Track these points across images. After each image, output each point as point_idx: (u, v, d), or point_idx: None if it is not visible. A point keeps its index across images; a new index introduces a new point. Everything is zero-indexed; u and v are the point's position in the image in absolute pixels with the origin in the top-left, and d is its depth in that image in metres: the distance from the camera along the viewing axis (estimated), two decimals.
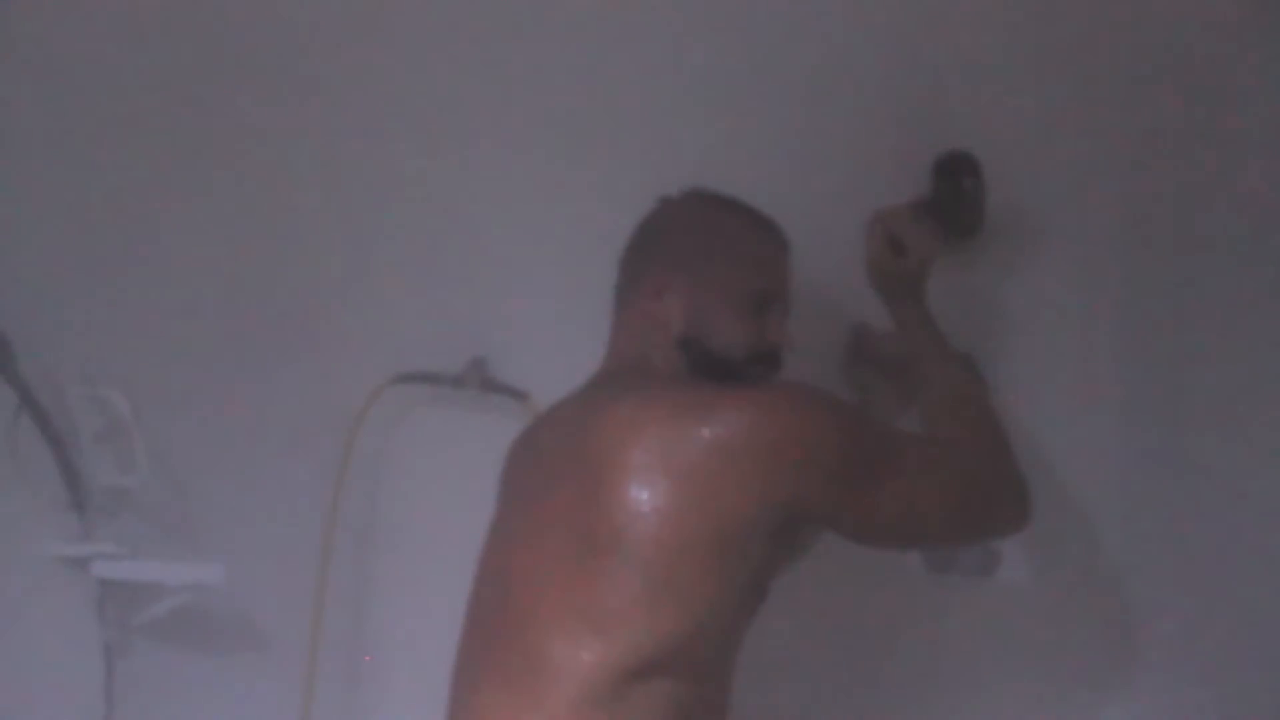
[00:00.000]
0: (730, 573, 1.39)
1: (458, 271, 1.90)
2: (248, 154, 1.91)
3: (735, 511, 1.38)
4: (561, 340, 1.77)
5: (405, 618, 1.85)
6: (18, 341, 1.78)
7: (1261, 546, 1.73)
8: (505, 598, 1.45)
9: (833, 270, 1.74)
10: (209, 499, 1.87)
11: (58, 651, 1.81)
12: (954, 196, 1.72)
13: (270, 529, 1.86)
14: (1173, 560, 1.78)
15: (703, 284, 1.53)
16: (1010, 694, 1.79)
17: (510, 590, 1.45)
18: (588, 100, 1.90)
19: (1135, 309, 1.81)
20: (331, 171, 1.91)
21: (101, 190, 1.89)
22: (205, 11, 1.92)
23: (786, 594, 1.67)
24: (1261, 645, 1.71)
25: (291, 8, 1.92)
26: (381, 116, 1.92)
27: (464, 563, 1.53)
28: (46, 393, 1.80)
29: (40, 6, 1.90)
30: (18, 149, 1.88)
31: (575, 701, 1.35)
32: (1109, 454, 1.81)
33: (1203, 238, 1.79)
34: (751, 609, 1.47)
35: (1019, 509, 1.54)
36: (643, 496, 1.36)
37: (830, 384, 1.68)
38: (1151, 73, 1.81)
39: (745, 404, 1.40)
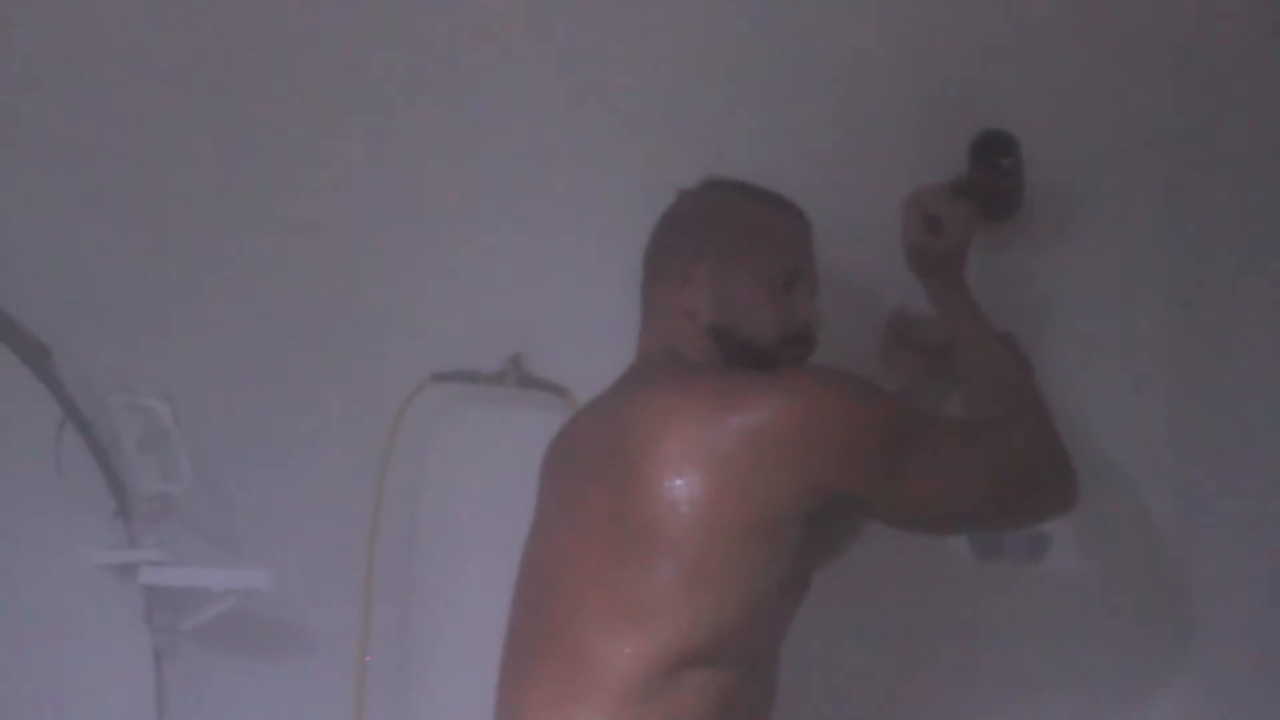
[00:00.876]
0: (768, 561, 1.38)
1: (494, 269, 1.90)
2: (284, 157, 1.91)
3: (770, 499, 1.37)
4: (599, 335, 1.76)
5: (452, 615, 1.85)
6: (59, 351, 1.78)
7: None
8: (547, 594, 1.46)
9: (871, 255, 1.73)
10: (252, 503, 1.87)
11: (107, 658, 1.82)
12: (992, 177, 1.70)
13: (314, 531, 1.86)
14: (1225, 545, 1.75)
15: (726, 270, 1.52)
16: (1059, 682, 1.77)
17: (551, 586, 1.45)
18: (622, 94, 1.89)
19: (1180, 288, 1.78)
20: (367, 173, 1.91)
21: (137, 197, 1.90)
22: (247, 18, 1.93)
23: (833, 584, 1.67)
24: None
25: (331, 11, 1.92)
26: (418, 115, 1.92)
27: (508, 559, 1.53)
28: (88, 402, 1.80)
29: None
30: (55, 157, 1.88)
31: (619, 695, 1.35)
32: (1157, 437, 1.79)
33: (1249, 214, 1.76)
34: (794, 597, 1.46)
35: (1064, 490, 1.51)
36: (678, 487, 1.36)
37: (870, 370, 1.66)
38: (1193, 45, 1.79)
39: (776, 390, 1.39)
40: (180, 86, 1.91)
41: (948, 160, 1.71)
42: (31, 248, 1.84)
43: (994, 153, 1.70)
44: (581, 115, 1.90)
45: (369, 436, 1.85)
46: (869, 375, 1.49)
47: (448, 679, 1.84)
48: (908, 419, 1.45)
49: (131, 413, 1.82)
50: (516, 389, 1.86)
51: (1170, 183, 1.78)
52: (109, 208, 1.88)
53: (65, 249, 1.87)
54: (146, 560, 1.78)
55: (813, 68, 1.85)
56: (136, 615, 1.81)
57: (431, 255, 1.91)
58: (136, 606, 1.81)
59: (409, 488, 1.87)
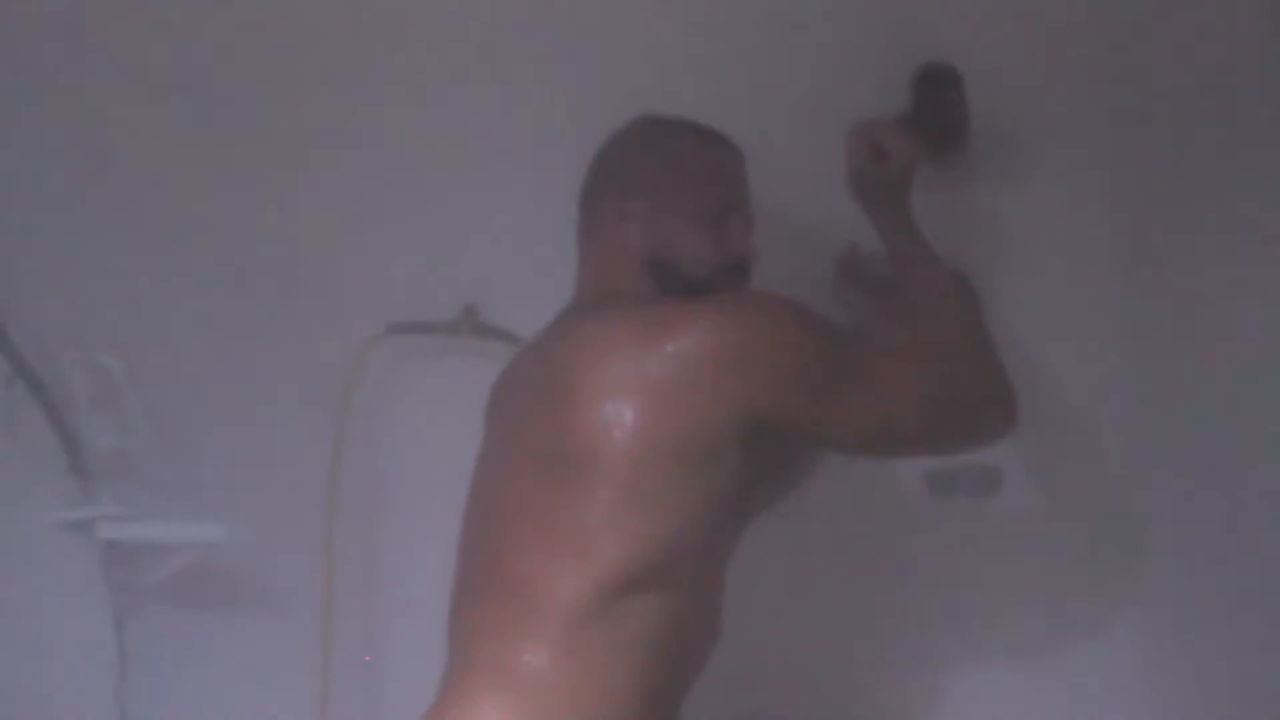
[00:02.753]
0: (704, 486, 1.40)
1: (446, 219, 1.89)
2: (235, 112, 1.89)
3: (702, 421, 1.38)
4: (552, 283, 1.74)
5: (414, 565, 1.84)
6: (7, 309, 1.77)
7: (1264, 455, 1.72)
8: (489, 526, 1.47)
9: (815, 190, 1.73)
10: (210, 459, 1.86)
11: (67, 617, 1.80)
12: (935, 110, 1.71)
13: (274, 486, 1.85)
14: (1176, 473, 1.78)
15: (660, 204, 1.54)
16: (1018, 615, 1.80)
17: (492, 519, 1.47)
18: (565, 33, 1.89)
19: (1129, 219, 1.80)
20: (317, 126, 1.90)
21: (87, 151, 1.88)
22: None
23: (786, 520, 1.68)
24: (1267, 553, 1.70)
25: None
26: (365, 65, 1.90)
27: None
28: (40, 360, 1.79)
29: None
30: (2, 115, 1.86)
31: (561, 622, 1.37)
32: (1109, 369, 1.81)
33: (1197, 142, 1.77)
34: (735, 524, 1.47)
35: (1002, 413, 1.53)
36: (610, 412, 1.38)
37: (821, 307, 1.67)
38: None
39: (707, 314, 1.41)
40: (139, 46, 1.89)
41: (891, 95, 1.71)
42: None
43: (937, 86, 1.72)
44: (529, 61, 1.89)
45: (326, 389, 1.84)
46: (820, 309, 1.50)
47: (411, 628, 1.83)
48: (841, 342, 1.46)
49: (84, 370, 1.80)
50: (472, 338, 1.86)
51: (1117, 118, 1.80)
52: (59, 161, 1.86)
53: (14, 205, 1.84)
54: (103, 515, 1.76)
55: (755, 5, 1.85)
56: (94, 574, 1.79)
57: (384, 206, 1.90)
58: (94, 565, 1.80)
59: (367, 439, 1.86)
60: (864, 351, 1.47)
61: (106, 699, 1.78)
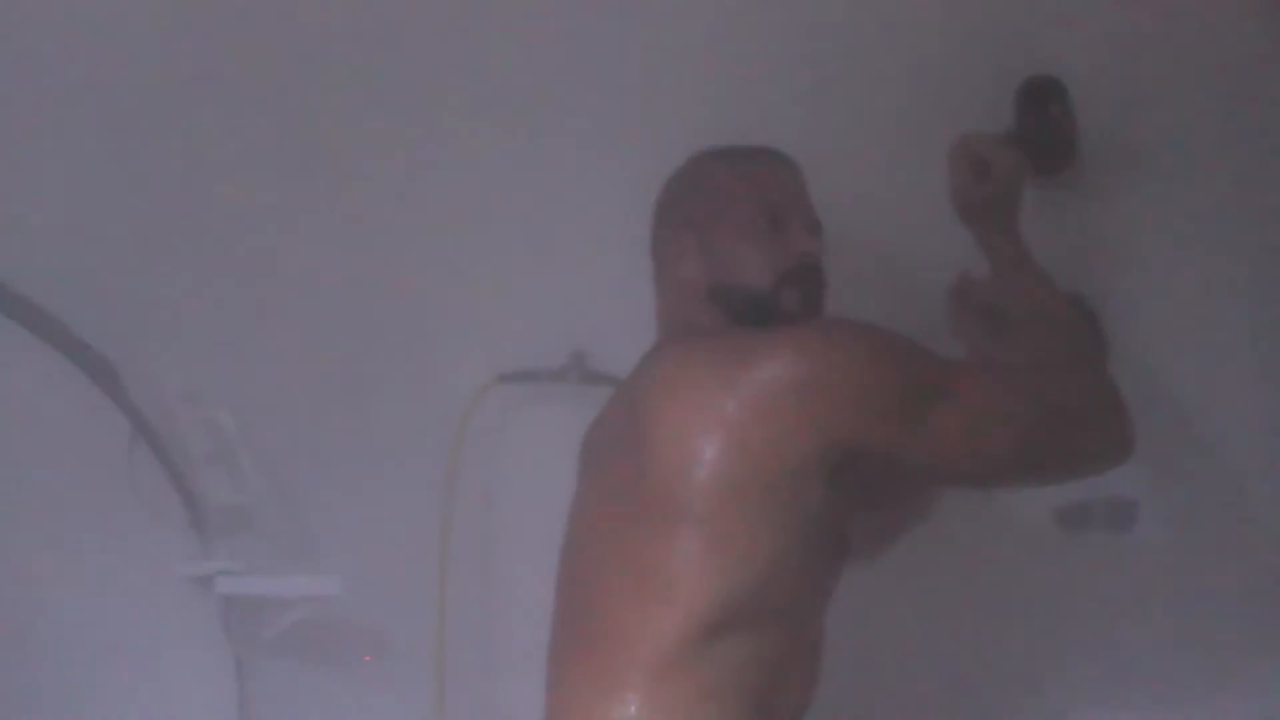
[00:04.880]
0: (790, 521, 1.35)
1: (552, 268, 1.90)
2: (343, 167, 1.93)
3: (783, 456, 1.34)
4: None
5: (528, 618, 1.82)
6: (125, 368, 1.82)
7: None
8: (580, 573, 1.46)
9: (921, 215, 1.68)
10: (324, 512, 1.88)
11: (189, 669, 1.83)
12: (1041, 125, 1.66)
13: (386, 538, 1.86)
14: None
15: (706, 232, 1.52)
16: (1150, 660, 1.71)
17: (583, 566, 1.46)
18: (665, 74, 1.88)
19: (1250, 230, 1.72)
20: (425, 178, 1.92)
21: (197, 211, 1.92)
22: (310, 27, 1.94)
23: (905, 556, 1.62)
24: None
25: (390, 9, 1.93)
26: (474, 116, 1.92)
27: None
28: (157, 416, 1.83)
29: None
30: (115, 177, 1.92)
31: (654, 671, 1.33)
32: (1242, 390, 1.72)
33: None
34: (828, 561, 1.42)
35: (1110, 437, 1.44)
36: (688, 449, 1.35)
37: (930, 337, 1.61)
38: None
39: (783, 344, 1.37)
40: (240, 103, 1.94)
41: (995, 111, 1.67)
42: (94, 268, 1.88)
43: (1042, 100, 1.66)
44: (632, 105, 1.89)
45: (436, 439, 1.85)
46: (923, 339, 1.44)
47: (524, 678, 1.80)
48: (923, 363, 1.40)
49: (201, 426, 1.84)
50: (580, 385, 1.85)
51: (1231, 128, 1.73)
52: (170, 223, 1.91)
53: (128, 267, 1.90)
54: (221, 570, 1.80)
55: (853, 21, 1.81)
56: (215, 626, 1.82)
57: (492, 256, 1.91)
58: (215, 617, 1.83)
59: (478, 488, 1.87)
60: (949, 372, 1.40)
61: None
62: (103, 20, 1.86)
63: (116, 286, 1.87)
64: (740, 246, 1.50)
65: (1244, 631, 1.69)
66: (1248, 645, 1.69)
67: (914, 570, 1.70)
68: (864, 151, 1.58)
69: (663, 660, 1.33)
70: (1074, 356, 1.48)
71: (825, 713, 1.46)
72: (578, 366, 1.87)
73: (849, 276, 1.57)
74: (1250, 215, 1.72)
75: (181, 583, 1.81)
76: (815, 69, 1.82)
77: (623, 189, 1.87)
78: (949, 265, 1.70)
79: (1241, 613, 1.69)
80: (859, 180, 1.60)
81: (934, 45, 1.78)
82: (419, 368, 1.89)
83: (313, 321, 1.91)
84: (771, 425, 1.34)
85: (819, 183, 1.61)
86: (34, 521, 1.82)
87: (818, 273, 1.51)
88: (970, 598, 1.74)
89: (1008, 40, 1.76)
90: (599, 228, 1.89)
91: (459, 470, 1.84)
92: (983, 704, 1.72)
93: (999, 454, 1.40)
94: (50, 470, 1.83)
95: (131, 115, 1.90)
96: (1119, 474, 1.51)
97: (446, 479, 1.83)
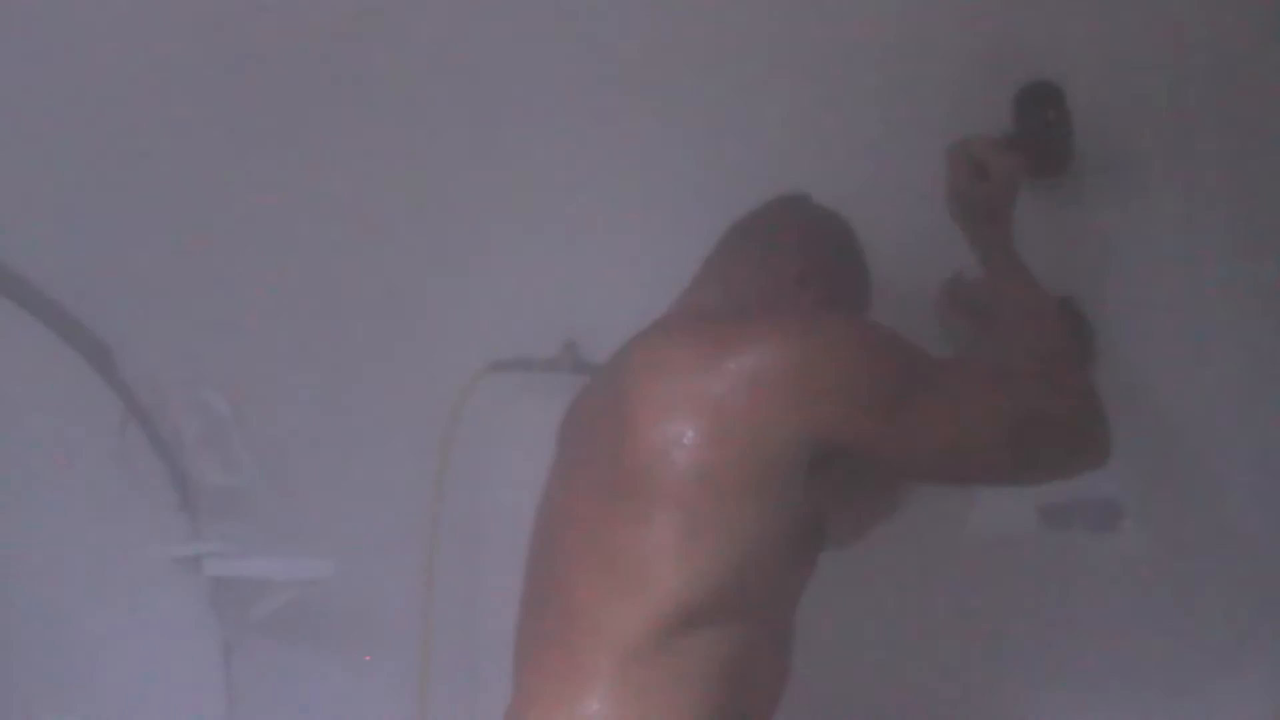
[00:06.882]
0: (766, 511, 1.33)
1: (545, 257, 1.90)
2: (336, 149, 1.92)
3: (765, 445, 1.32)
4: (652, 317, 1.75)
5: (515, 603, 1.83)
6: (118, 349, 1.82)
7: None
8: (548, 556, 1.43)
9: (916, 212, 1.68)
10: (315, 495, 1.89)
11: (177, 650, 1.85)
12: (1038, 129, 1.66)
13: (376, 522, 1.87)
14: None
15: (840, 280, 1.55)
16: (1133, 661, 1.71)
17: (552, 548, 1.43)
18: (666, 71, 1.87)
19: (1243, 239, 1.71)
20: (420, 164, 1.92)
21: (191, 194, 1.92)
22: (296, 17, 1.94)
23: (886, 553, 1.63)
24: None
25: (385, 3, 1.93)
26: (468, 104, 1.92)
27: None
28: (149, 398, 1.84)
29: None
30: (108, 158, 1.92)
31: (621, 658, 1.30)
32: (1229, 396, 1.72)
33: None
34: (804, 555, 1.40)
35: (1089, 444, 1.45)
36: (668, 432, 1.32)
37: (923, 334, 1.62)
38: None
39: (768, 332, 1.36)
40: (234, 85, 1.93)
41: (994, 116, 1.67)
42: (90, 250, 1.88)
43: (1039, 104, 1.66)
44: (629, 101, 1.89)
45: (428, 426, 1.85)
46: (923, 340, 1.45)
47: (511, 663, 1.82)
48: (908, 357, 1.39)
49: (192, 409, 1.84)
50: (572, 374, 1.86)
51: (1228, 135, 1.72)
52: (164, 206, 1.91)
53: (123, 249, 1.90)
54: (210, 552, 1.80)
55: (852, 25, 1.81)
56: (204, 607, 1.83)
57: (483, 243, 1.91)
58: (203, 600, 1.83)
59: (468, 475, 1.87)
60: (933, 368, 1.40)
61: None
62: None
63: (110, 266, 1.87)
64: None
65: (1229, 631, 1.70)
66: (1232, 645, 1.69)
67: (897, 568, 1.70)
68: (863, 152, 1.58)
69: (632, 646, 1.30)
70: (1058, 361, 1.48)
71: (805, 710, 1.46)
72: (570, 356, 1.87)
73: None
74: (1246, 221, 1.72)
75: (170, 565, 1.82)
76: (814, 71, 1.81)
77: (616, 178, 1.88)
78: (941, 265, 1.71)
79: (1227, 613, 1.70)
80: (858, 180, 1.60)
81: (933, 50, 1.77)
82: (412, 354, 1.90)
83: (306, 305, 1.92)
84: (754, 412, 1.32)
85: (817, 183, 1.63)
86: (23, 501, 1.82)
87: None
88: (952, 596, 1.75)
89: (1006, 45, 1.75)
90: (592, 216, 1.89)
91: (450, 456, 1.84)
92: (965, 702, 1.73)
93: (979, 452, 1.40)
94: (41, 449, 1.83)
95: (126, 96, 1.90)
96: (1107, 474, 1.52)
97: (438, 466, 1.83)
